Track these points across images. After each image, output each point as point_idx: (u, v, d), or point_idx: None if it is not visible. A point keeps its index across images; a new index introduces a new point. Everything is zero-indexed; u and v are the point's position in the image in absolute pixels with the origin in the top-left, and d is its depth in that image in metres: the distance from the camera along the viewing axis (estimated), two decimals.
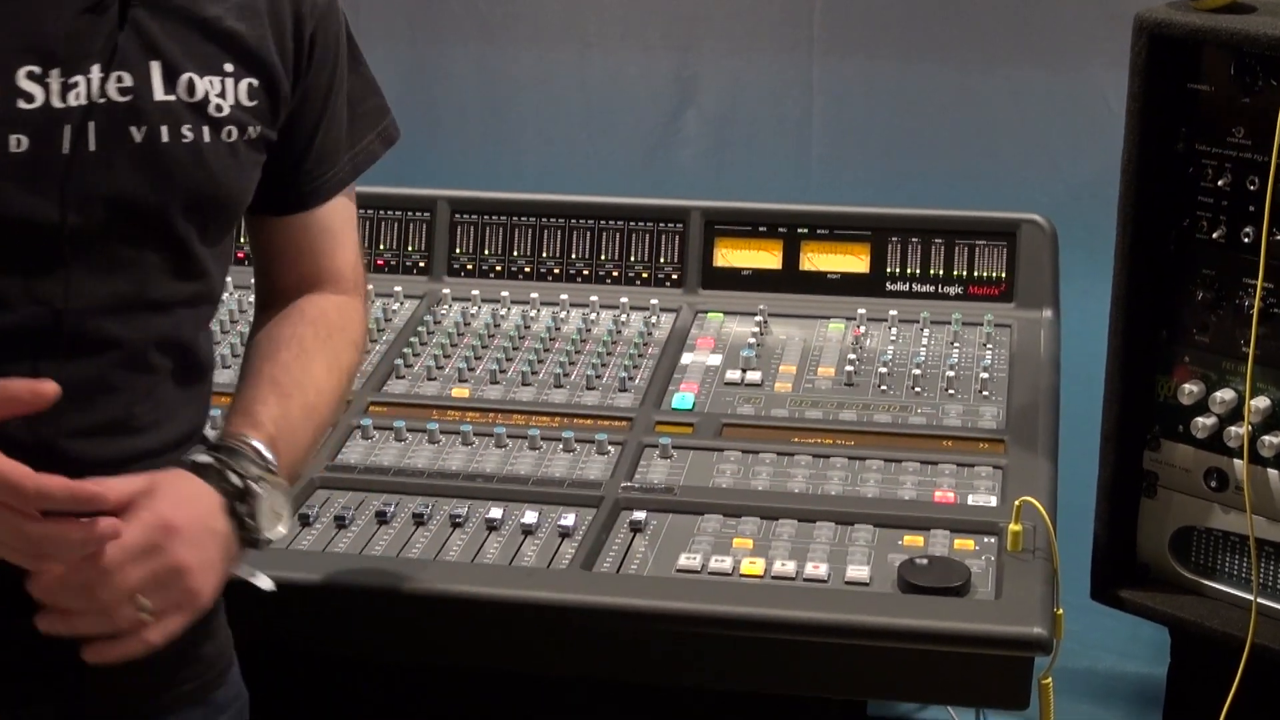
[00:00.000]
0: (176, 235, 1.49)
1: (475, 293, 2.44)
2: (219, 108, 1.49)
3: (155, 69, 1.45)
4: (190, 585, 1.39)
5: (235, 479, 1.45)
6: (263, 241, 1.70)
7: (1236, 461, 2.03)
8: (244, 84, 1.52)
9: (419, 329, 2.35)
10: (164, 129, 1.46)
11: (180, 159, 1.47)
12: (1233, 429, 2.02)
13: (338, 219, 1.69)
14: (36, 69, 1.39)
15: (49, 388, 1.29)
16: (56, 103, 1.40)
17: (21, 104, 1.38)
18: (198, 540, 1.40)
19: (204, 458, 1.45)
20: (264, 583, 1.55)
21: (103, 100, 1.42)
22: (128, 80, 1.43)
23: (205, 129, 1.48)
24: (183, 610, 1.40)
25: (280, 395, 1.56)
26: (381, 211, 2.51)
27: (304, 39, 1.58)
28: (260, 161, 1.57)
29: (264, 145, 1.57)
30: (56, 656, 1.45)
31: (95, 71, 1.41)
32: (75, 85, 1.40)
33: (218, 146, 1.50)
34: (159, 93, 1.45)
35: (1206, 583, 2.11)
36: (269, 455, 1.49)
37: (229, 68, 1.50)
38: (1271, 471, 2.01)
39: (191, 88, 1.47)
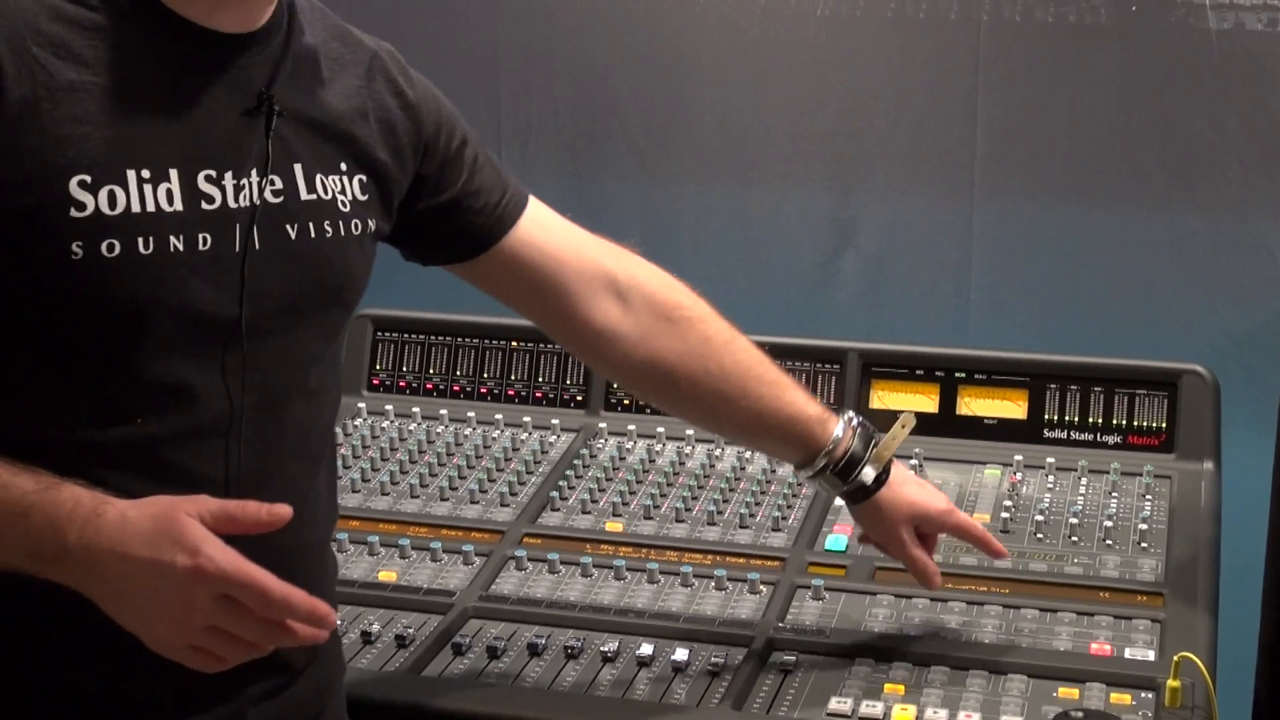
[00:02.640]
0: (326, 325, 1.58)
1: (631, 428, 2.47)
2: (344, 204, 1.59)
3: (298, 171, 1.55)
4: None
5: None
6: (497, 275, 1.83)
7: None
8: (355, 180, 1.61)
9: (575, 462, 2.38)
10: (310, 226, 1.55)
11: (325, 253, 1.56)
12: None
13: (547, 217, 1.84)
14: (212, 173, 1.47)
15: (284, 511, 1.34)
16: (231, 204, 1.48)
17: (204, 205, 1.46)
18: None
19: None
20: None
21: (261, 202, 1.50)
22: (279, 183, 1.52)
23: (340, 223, 1.58)
24: None
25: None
26: (540, 345, 2.55)
27: (425, 129, 1.69)
28: (374, 253, 1.66)
29: (378, 238, 1.66)
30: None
31: (254, 175, 1.50)
32: (243, 188, 1.48)
33: (349, 239, 1.59)
34: (303, 193, 1.55)
35: None
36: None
37: (344, 166, 1.60)
38: None
39: (325, 186, 1.57)
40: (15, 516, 1.33)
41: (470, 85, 3.01)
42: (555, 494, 2.30)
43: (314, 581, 1.47)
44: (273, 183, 1.51)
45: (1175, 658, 1.83)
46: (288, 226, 1.53)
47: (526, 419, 2.49)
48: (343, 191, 1.59)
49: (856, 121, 2.88)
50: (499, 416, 2.49)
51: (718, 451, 2.40)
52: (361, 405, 2.55)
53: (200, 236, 1.45)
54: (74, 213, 1.38)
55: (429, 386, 2.57)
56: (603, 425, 2.48)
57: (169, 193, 1.42)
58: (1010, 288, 2.86)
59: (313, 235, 1.55)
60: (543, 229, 1.81)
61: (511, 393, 2.54)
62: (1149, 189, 2.78)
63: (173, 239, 1.43)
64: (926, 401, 2.43)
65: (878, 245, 2.92)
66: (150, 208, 1.41)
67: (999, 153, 2.82)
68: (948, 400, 2.42)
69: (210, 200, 1.46)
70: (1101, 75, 2.76)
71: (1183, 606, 2.01)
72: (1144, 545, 2.15)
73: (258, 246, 1.50)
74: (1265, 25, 2.66)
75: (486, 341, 2.57)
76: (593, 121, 3.00)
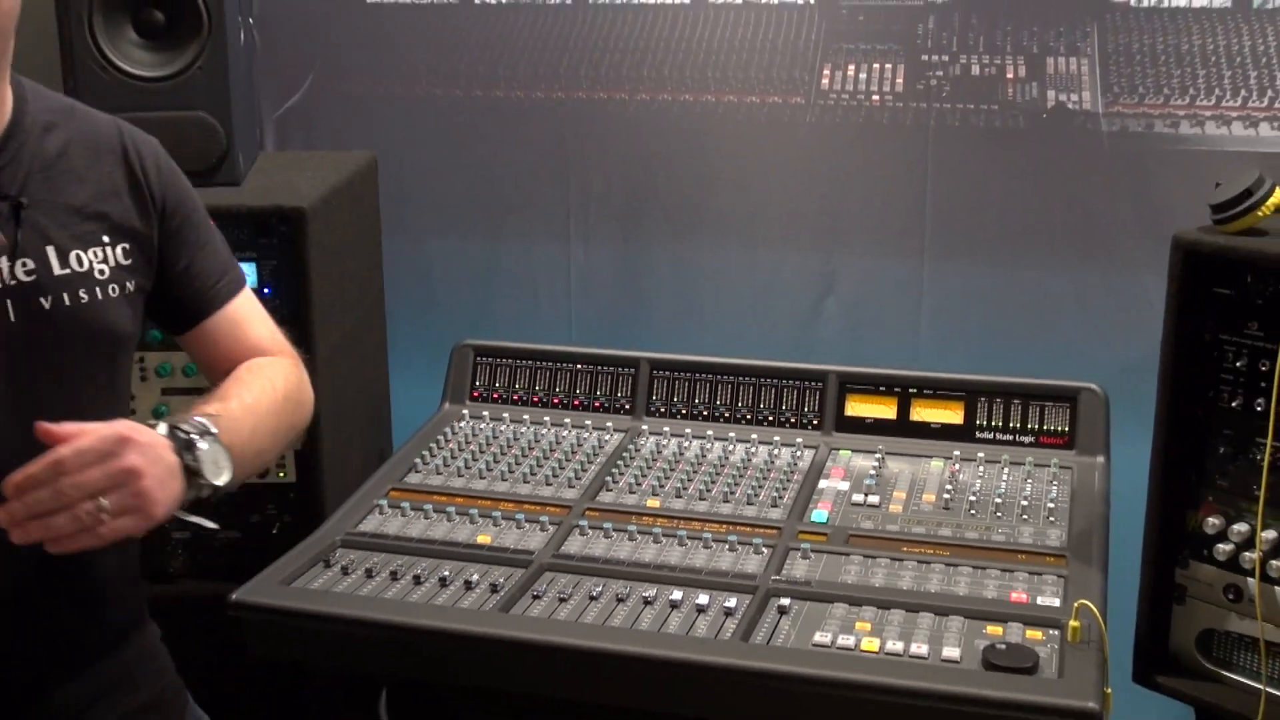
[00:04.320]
0: (95, 372, 1.50)
1: (666, 429, 2.47)
2: (102, 272, 1.52)
3: (50, 252, 1.48)
4: (143, 488, 1.33)
5: (181, 433, 1.42)
6: (199, 349, 1.71)
7: (1250, 579, 1.98)
8: (119, 248, 1.54)
9: (624, 454, 2.38)
10: (65, 295, 1.48)
11: (80, 316, 1.49)
12: (1247, 554, 1.98)
13: (241, 313, 1.69)
14: None
15: None
16: None
17: None
18: (151, 455, 1.36)
19: (154, 421, 1.44)
20: (209, 524, 1.48)
21: (14, 282, 1.44)
22: (31, 264, 1.46)
23: (97, 289, 1.51)
24: (137, 513, 1.34)
25: (221, 399, 1.55)
26: (598, 367, 2.56)
27: (158, 200, 1.60)
28: (140, 306, 1.58)
29: (141, 293, 1.58)
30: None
31: (3, 261, 1.44)
32: None
33: (108, 301, 1.52)
34: (56, 269, 1.48)
35: (1224, 673, 2.05)
36: (209, 424, 1.46)
37: (105, 239, 1.53)
38: (1278, 589, 1.96)
39: (80, 260, 1.50)
40: None
41: (545, 173, 3.03)
42: (609, 478, 2.30)
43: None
44: (25, 264, 1.45)
45: (1075, 604, 1.82)
46: (42, 299, 1.46)
47: (588, 422, 2.49)
48: (104, 261, 1.52)
49: (836, 201, 2.88)
50: (567, 420, 2.50)
51: (731, 448, 2.40)
52: (465, 411, 2.55)
53: None
54: None
55: (515, 397, 2.58)
56: (645, 427, 2.48)
57: None
58: (951, 326, 2.86)
59: (67, 303, 1.48)
60: (240, 318, 1.70)
61: (577, 403, 2.55)
62: (1057, 252, 2.77)
63: None
64: (887, 410, 2.42)
65: (852, 294, 2.91)
66: None
67: (943, 225, 2.82)
68: (903, 409, 2.42)
69: None
70: (1020, 166, 2.76)
71: (1081, 565, 2.00)
72: (1051, 519, 2.14)
73: (12, 319, 1.44)
74: (1144, 129, 2.66)
75: (557, 364, 2.57)
76: (638, 200, 3.00)
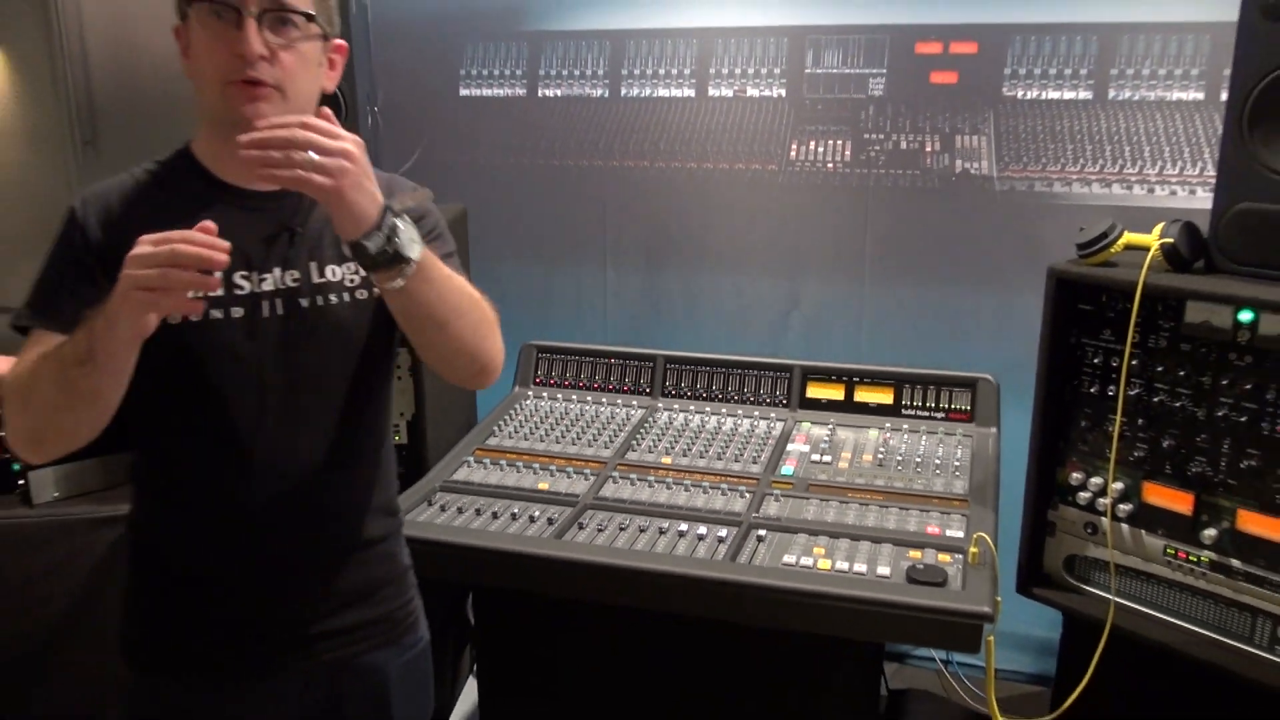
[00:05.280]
0: (342, 355, 1.40)
1: (676, 407, 2.47)
2: (352, 280, 1.45)
3: (312, 266, 1.44)
4: (345, 166, 1.23)
5: (395, 212, 1.32)
6: None
7: (1103, 519, 1.97)
8: None
9: (645, 425, 2.38)
10: (318, 297, 1.44)
11: (328, 313, 1.44)
12: (1101, 500, 1.97)
13: None
14: (245, 272, 1.40)
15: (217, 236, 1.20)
16: (256, 289, 1.40)
17: (236, 291, 1.39)
18: (363, 167, 1.26)
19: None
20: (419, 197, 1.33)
21: (283, 286, 1.42)
22: (296, 273, 1.42)
23: (344, 294, 1.45)
24: (334, 177, 1.23)
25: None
26: (626, 361, 2.56)
27: None
28: (385, 309, 1.47)
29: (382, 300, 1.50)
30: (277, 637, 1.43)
31: (277, 270, 1.41)
32: (265, 278, 1.41)
33: (352, 303, 1.46)
34: (314, 278, 1.44)
35: (1084, 587, 2.04)
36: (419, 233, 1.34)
37: None
38: (1124, 526, 1.95)
39: (333, 273, 1.45)
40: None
41: (588, 220, 3.03)
42: (634, 442, 2.30)
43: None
44: (292, 274, 1.42)
45: (974, 535, 1.82)
46: (301, 300, 1.43)
47: (619, 401, 2.50)
48: (355, 273, 1.46)
49: (799, 240, 2.88)
50: (604, 400, 2.50)
51: (723, 421, 2.40)
52: (530, 393, 2.56)
53: (232, 310, 1.39)
54: None
55: (566, 383, 2.59)
56: (660, 405, 2.48)
57: None
58: (884, 332, 2.84)
59: (320, 303, 1.43)
60: None
61: (611, 387, 2.55)
62: (962, 278, 2.76)
63: (213, 311, 1.38)
64: (837, 393, 2.42)
65: (811, 308, 2.91)
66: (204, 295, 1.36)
67: (879, 258, 2.81)
68: (850, 392, 2.41)
69: (240, 289, 1.39)
70: (934, 214, 2.74)
71: (979, 507, 2.00)
72: (957, 474, 2.13)
73: (280, 311, 1.41)
74: (1027, 189, 2.65)
75: (596, 359, 2.58)
76: (656, 239, 3.00)
